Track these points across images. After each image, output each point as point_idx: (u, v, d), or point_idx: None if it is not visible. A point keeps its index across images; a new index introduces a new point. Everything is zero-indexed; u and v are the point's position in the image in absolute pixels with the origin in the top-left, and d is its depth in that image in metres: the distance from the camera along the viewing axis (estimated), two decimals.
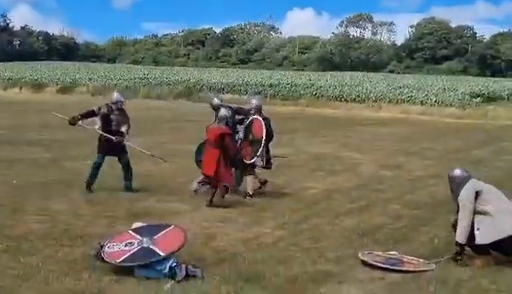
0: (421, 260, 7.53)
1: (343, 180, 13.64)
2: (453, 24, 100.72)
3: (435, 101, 43.24)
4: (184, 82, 53.96)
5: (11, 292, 6.12)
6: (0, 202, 10.15)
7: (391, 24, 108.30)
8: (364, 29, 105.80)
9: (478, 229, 7.55)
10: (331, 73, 72.52)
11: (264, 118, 11.58)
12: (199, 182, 10.97)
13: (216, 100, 12.25)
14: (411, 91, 47.72)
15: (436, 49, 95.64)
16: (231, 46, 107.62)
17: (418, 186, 13.09)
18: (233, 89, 51.46)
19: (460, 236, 7.51)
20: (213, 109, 11.87)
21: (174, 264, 6.71)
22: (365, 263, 7.31)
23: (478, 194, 7.66)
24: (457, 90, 49.32)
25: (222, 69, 79.29)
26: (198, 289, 6.35)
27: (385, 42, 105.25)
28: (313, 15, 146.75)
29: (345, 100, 45.90)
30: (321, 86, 51.51)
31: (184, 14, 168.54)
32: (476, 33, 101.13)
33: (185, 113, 32.55)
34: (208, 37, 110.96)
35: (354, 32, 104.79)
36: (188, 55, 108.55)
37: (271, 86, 51.89)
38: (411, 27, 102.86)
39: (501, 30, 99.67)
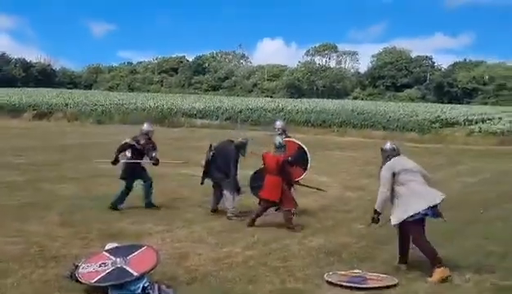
0: (384, 276, 7.56)
1: (311, 202, 13.62)
2: (413, 54, 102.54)
3: (396, 126, 43.90)
4: (158, 108, 53.98)
5: None
6: None
7: (354, 53, 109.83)
8: (329, 58, 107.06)
9: (391, 214, 8.04)
10: (299, 99, 73.08)
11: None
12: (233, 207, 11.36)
13: (278, 123, 12.58)
14: (374, 117, 48.33)
15: (397, 77, 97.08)
16: (203, 74, 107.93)
17: None
18: (205, 114, 51.70)
19: (378, 205, 8.15)
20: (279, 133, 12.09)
21: (147, 284, 6.64)
22: (330, 283, 7.30)
23: (395, 175, 8.01)
24: (417, 116, 50.08)
25: (194, 96, 79.34)
26: None
27: (349, 70, 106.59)
28: (282, 45, 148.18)
29: (312, 125, 46.34)
30: (289, 112, 51.96)
31: (158, 43, 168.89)
32: (434, 63, 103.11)
33: (158, 138, 32.33)
34: (181, 64, 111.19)
35: (320, 61, 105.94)
36: (162, 81, 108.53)
37: (241, 111, 52.16)
38: (374, 56, 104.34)
39: (458, 60, 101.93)
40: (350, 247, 9.38)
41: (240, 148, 11.74)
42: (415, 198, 7.88)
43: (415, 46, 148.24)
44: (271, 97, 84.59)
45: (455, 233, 10.59)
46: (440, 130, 44.66)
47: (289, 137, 12.35)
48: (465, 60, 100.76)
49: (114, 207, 11.73)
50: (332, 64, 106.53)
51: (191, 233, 9.94)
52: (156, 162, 12.30)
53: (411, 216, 7.79)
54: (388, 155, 8.30)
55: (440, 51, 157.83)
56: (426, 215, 7.89)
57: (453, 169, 22.96)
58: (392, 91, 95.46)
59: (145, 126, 12.53)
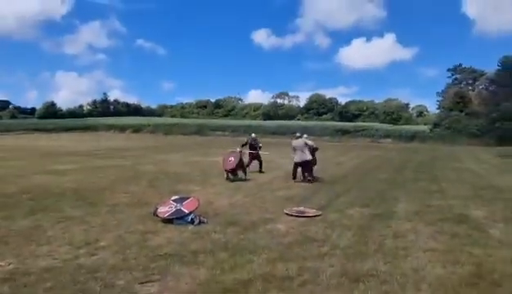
0: (314, 210, 7.49)
1: (278, 173, 13.17)
2: (327, 96, 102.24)
3: (318, 135, 43.67)
4: (197, 126, 53.65)
5: None
6: None
7: (297, 96, 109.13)
8: (284, 99, 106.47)
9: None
10: (271, 121, 72.72)
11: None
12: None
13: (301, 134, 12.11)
14: (305, 130, 47.92)
15: (319, 108, 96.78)
16: (220, 108, 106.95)
17: (319, 172, 13.01)
18: (221, 128, 51.50)
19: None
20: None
21: (193, 216, 6.61)
22: (287, 214, 7.26)
23: (293, 146, 11.15)
24: (328, 128, 49.77)
25: (216, 119, 78.46)
26: (205, 229, 6.26)
27: (295, 105, 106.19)
28: (261, 92, 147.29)
29: (277, 134, 46.06)
30: (265, 128, 51.71)
31: (195, 90, 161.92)
32: (338, 100, 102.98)
33: (197, 141, 32.00)
34: (207, 103, 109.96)
35: (280, 100, 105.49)
36: (198, 112, 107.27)
37: (237, 129, 51.88)
38: (307, 98, 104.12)
39: (350, 99, 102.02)
40: (298, 196, 9.22)
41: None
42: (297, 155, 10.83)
43: (329, 93, 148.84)
44: (254, 120, 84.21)
45: (351, 188, 10.57)
46: (342, 135, 44.79)
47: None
48: (353, 99, 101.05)
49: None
50: (286, 102, 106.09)
51: (216, 191, 9.70)
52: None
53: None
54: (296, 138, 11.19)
55: (341, 95, 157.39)
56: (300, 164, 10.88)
57: (348, 156, 23.00)
58: (316, 116, 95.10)
59: (252, 135, 13.68)
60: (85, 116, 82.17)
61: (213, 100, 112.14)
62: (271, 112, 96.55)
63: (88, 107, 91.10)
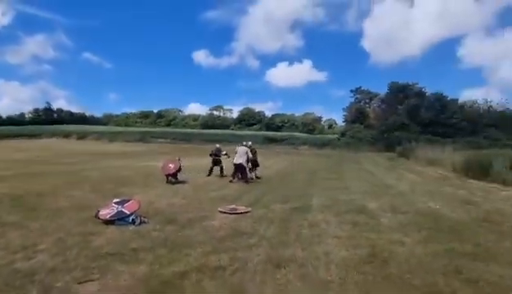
0: (244, 207, 7.49)
1: (213, 178, 12.87)
2: (256, 110, 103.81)
3: (253, 141, 44.18)
4: (140, 134, 50.74)
5: None
6: None
7: (231, 110, 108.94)
8: (220, 112, 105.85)
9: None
10: (208, 130, 71.63)
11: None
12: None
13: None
14: (240, 139, 48.19)
15: (250, 120, 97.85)
16: (162, 118, 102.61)
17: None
18: (163, 136, 49.43)
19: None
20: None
21: (134, 216, 6.25)
22: (221, 212, 7.20)
23: (236, 150, 11.23)
24: (257, 136, 50.58)
25: (159, 128, 75.05)
26: (146, 228, 5.95)
27: (229, 117, 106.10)
28: (199, 105, 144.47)
29: (212, 141, 45.37)
30: (204, 136, 50.68)
31: (139, 100, 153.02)
32: (265, 113, 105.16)
33: (138, 148, 30.26)
34: (150, 113, 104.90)
35: (216, 112, 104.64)
36: (141, 122, 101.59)
37: (177, 137, 50.01)
38: (239, 111, 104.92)
39: (275, 112, 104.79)
40: (230, 195, 9.15)
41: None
42: (235, 159, 10.95)
43: (258, 107, 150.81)
44: (193, 129, 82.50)
45: (275, 188, 10.78)
46: (269, 143, 45.86)
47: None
48: (278, 113, 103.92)
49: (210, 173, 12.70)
50: (222, 114, 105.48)
51: (156, 192, 9.27)
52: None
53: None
54: (241, 144, 11.40)
55: (268, 109, 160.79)
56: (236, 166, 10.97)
57: (273, 160, 23.61)
58: (247, 126, 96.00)
59: (217, 145, 13.48)
60: (27, 124, 72.76)
61: (155, 111, 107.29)
62: (209, 122, 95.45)
63: (30, 115, 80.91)
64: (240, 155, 11.40)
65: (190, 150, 31.28)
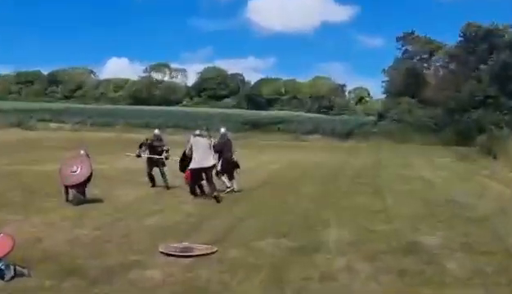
0: (206, 246, 7.51)
1: (151, 189, 13.38)
2: (229, 72, 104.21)
3: (216, 129, 44.48)
4: (16, 113, 50.23)
5: None
6: None
7: (184, 70, 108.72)
8: (164, 74, 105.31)
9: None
10: (140, 107, 71.42)
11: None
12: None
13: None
14: (200, 121, 48.71)
15: (217, 90, 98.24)
16: (57, 85, 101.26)
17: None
18: (59, 118, 49.24)
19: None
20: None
21: (3, 266, 6.04)
22: (164, 254, 7.15)
23: (192, 145, 11.85)
24: (232, 120, 51.24)
25: (49, 104, 74.23)
26: (25, 284, 5.76)
27: (180, 83, 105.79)
28: (127, 62, 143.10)
29: (149, 127, 45.73)
30: (131, 117, 50.76)
31: (16, 57, 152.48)
32: (245, 79, 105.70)
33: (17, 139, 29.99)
34: (37, 77, 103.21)
35: (156, 75, 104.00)
36: (19, 92, 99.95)
37: (90, 117, 50.07)
38: (199, 73, 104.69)
39: (263, 77, 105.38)
40: (180, 223, 9.23)
41: None
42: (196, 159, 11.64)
43: (231, 66, 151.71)
44: (116, 105, 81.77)
45: (261, 207, 10.94)
46: (249, 130, 46.17)
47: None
48: (267, 77, 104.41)
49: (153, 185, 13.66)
50: (166, 78, 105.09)
51: (47, 220, 9.18)
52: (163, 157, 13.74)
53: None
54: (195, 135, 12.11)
55: (250, 69, 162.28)
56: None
57: (259, 159, 23.80)
58: (213, 100, 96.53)
59: (156, 132, 14.40)
60: None
61: (45, 73, 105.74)
62: (144, 93, 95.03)
63: None
64: (203, 152, 11.79)
65: (109, 142, 31.01)
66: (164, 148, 13.84)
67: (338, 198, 12.60)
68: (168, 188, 13.31)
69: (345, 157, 27.37)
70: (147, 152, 13.80)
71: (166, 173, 13.62)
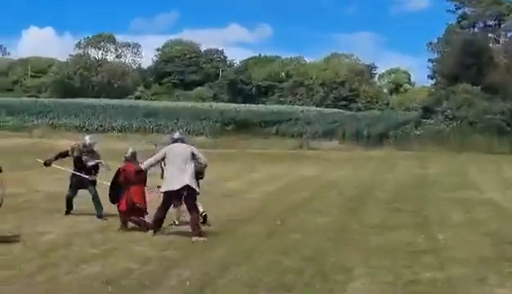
0: None
1: (85, 222, 13.36)
2: (203, 48, 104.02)
3: (186, 130, 44.56)
4: None
5: None
6: None
7: (136, 45, 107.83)
8: (106, 51, 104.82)
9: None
10: (71, 100, 71.22)
11: None
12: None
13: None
14: (160, 120, 48.73)
15: (185, 73, 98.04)
16: None
17: (165, 225, 13.19)
18: None
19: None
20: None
21: None
22: None
23: (165, 155, 12.18)
24: (209, 118, 51.26)
25: None
26: None
27: (130, 65, 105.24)
28: (53, 35, 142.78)
29: (86, 129, 45.58)
30: (59, 115, 50.59)
31: None
32: (226, 57, 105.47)
33: None
34: None
35: (95, 54, 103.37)
36: None
37: None
38: (158, 50, 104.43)
39: (252, 55, 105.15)
40: (132, 273, 9.18)
41: None
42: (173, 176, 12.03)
43: (205, 38, 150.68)
44: (36, 97, 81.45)
45: (252, 249, 10.98)
46: (234, 133, 46.14)
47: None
48: (260, 55, 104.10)
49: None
50: (110, 57, 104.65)
51: None
52: (93, 178, 14.31)
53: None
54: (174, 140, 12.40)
55: (233, 44, 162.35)
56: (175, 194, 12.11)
57: (249, 177, 23.82)
58: (180, 89, 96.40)
59: (87, 139, 14.63)
60: None
61: None
62: (77, 80, 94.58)
63: None
64: (184, 164, 12.19)
65: (25, 152, 30.85)
66: (95, 162, 14.14)
67: (365, 234, 12.62)
68: (101, 218, 13.59)
69: (375, 172, 27.39)
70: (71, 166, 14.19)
71: (98, 196, 13.80)
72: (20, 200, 14.47)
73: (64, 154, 14.25)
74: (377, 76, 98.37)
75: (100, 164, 14.23)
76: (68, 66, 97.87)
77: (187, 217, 12.90)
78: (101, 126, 46.52)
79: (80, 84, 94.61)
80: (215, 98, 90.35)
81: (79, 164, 13.98)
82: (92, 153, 14.23)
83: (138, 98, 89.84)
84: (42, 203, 15.43)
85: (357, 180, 23.64)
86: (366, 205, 17.18)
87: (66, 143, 19.37)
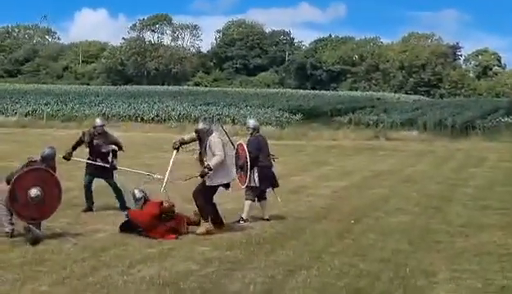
0: None
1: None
2: (267, 29, 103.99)
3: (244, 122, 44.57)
4: None
5: None
6: None
7: (195, 27, 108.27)
8: (162, 34, 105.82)
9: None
10: (125, 87, 72.23)
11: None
12: None
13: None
14: (221, 109, 48.90)
15: (248, 58, 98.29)
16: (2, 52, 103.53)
17: (228, 222, 13.29)
18: None
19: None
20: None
21: None
22: None
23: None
24: (274, 106, 51.23)
25: None
26: None
27: (189, 49, 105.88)
28: (107, 17, 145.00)
29: (142, 119, 46.09)
30: (112, 104, 51.24)
31: None
32: (294, 40, 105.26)
33: None
34: None
35: (150, 37, 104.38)
36: None
37: (47, 104, 50.72)
38: (219, 32, 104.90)
39: (321, 36, 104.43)
40: (192, 275, 9.28)
41: None
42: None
43: (271, 19, 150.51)
44: (87, 84, 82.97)
45: (322, 250, 11.00)
46: (302, 123, 46.10)
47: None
48: (330, 36, 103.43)
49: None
50: (166, 41, 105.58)
51: None
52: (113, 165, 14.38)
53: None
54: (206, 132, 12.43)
55: (301, 25, 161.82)
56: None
57: (318, 171, 23.77)
58: (243, 74, 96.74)
59: (98, 122, 14.63)
60: None
61: None
62: (131, 65, 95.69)
63: None
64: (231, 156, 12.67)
65: None
66: (111, 147, 14.18)
67: (449, 235, 12.52)
68: (123, 209, 13.53)
69: (460, 166, 27.05)
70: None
71: (122, 188, 13.93)
72: (70, 196, 14.69)
73: (79, 142, 14.36)
74: (462, 58, 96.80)
75: (115, 151, 14.22)
76: (121, 51, 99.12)
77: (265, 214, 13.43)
78: (157, 115, 46.86)
79: (134, 70, 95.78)
80: (281, 84, 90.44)
81: (95, 151, 14.09)
82: (104, 136, 14.27)
83: (197, 85, 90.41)
84: (95, 200, 15.65)
85: (440, 175, 23.37)
86: (451, 203, 16.96)
87: (119, 135, 19.53)
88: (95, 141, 14.07)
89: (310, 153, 30.78)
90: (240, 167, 13.18)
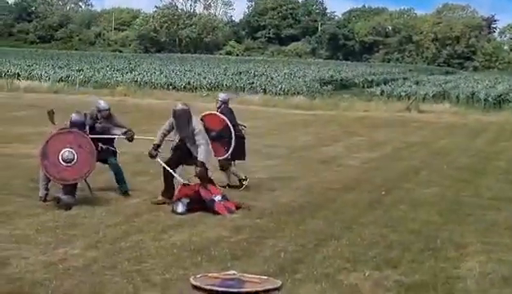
0: (265, 278, 7.61)
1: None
2: None
3: (280, 89, 44.51)
4: None
5: None
6: None
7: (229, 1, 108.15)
8: (195, 2, 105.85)
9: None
10: (157, 55, 72.33)
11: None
12: None
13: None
14: (252, 78, 48.80)
15: (281, 27, 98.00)
16: (29, 21, 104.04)
17: (261, 191, 13.36)
18: (30, 75, 50.10)
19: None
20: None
21: None
22: (198, 288, 7.29)
23: None
24: (305, 76, 51.06)
25: (16, 49, 76.40)
26: None
27: (221, 18, 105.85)
28: None
29: (174, 87, 46.12)
30: (144, 71, 51.34)
31: None
32: (326, 9, 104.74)
33: None
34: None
35: (183, 5, 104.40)
36: None
37: (80, 71, 50.97)
38: (251, 1, 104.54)
39: (354, 6, 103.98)
40: (222, 241, 9.36)
41: None
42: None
43: None
44: (119, 51, 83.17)
45: (353, 220, 11.03)
46: (333, 93, 45.94)
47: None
48: (364, 6, 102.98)
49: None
50: (199, 9, 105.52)
51: (13, 232, 9.52)
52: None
53: None
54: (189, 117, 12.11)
55: None
56: None
57: (349, 142, 23.71)
58: (275, 44, 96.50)
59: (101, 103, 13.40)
60: None
61: (10, 1, 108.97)
62: (163, 34, 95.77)
63: None
64: None
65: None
66: (116, 132, 13.09)
67: (480, 208, 12.48)
68: (125, 194, 12.70)
69: (493, 139, 26.85)
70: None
71: (121, 169, 13.00)
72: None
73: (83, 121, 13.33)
74: (497, 31, 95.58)
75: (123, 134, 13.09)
76: (154, 19, 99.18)
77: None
78: (188, 83, 46.90)
79: (167, 38, 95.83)
80: (313, 54, 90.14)
81: (93, 133, 12.63)
82: (109, 119, 13.16)
83: (229, 53, 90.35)
84: (128, 165, 15.70)
85: (472, 148, 23.20)
86: (482, 176, 16.86)
87: (151, 102, 19.56)
88: (97, 125, 12.93)
89: (341, 124, 30.65)
90: (214, 138, 13.03)
